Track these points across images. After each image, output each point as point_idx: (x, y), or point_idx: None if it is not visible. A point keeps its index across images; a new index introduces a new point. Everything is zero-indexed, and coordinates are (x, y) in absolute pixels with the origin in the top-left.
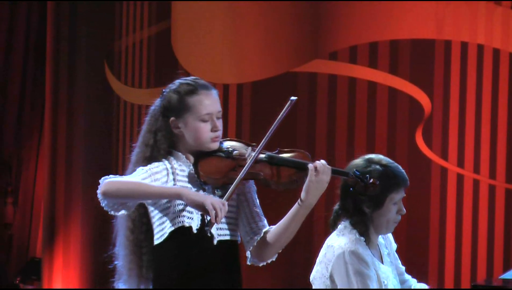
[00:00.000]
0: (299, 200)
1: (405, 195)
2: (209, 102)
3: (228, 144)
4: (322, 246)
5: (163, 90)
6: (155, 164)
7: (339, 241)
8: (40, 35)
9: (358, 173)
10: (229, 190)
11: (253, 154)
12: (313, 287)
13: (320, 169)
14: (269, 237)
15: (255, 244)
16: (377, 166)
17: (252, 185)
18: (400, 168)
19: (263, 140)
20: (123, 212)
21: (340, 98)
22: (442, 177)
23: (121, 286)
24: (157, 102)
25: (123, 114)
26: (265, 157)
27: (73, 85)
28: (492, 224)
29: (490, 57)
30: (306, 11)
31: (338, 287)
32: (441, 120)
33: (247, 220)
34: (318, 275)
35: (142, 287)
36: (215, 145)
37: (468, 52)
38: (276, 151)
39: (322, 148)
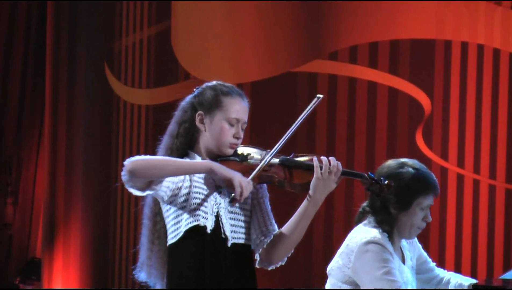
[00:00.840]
0: (307, 196)
1: (433, 203)
2: (241, 109)
3: (243, 150)
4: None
5: (197, 86)
6: None
7: (362, 233)
8: (40, 35)
9: (372, 175)
10: (254, 172)
11: (268, 155)
12: (329, 278)
13: (332, 168)
14: (278, 238)
15: (264, 246)
16: (410, 169)
17: (265, 191)
18: (433, 175)
19: (281, 141)
20: (148, 192)
21: (340, 98)
22: (442, 177)
23: (142, 276)
24: (189, 97)
25: (123, 114)
26: (279, 160)
27: (73, 85)
28: (492, 224)
29: (490, 57)
30: (306, 11)
31: (361, 276)
32: (441, 120)
33: (258, 224)
34: (337, 265)
35: (154, 280)
36: (230, 151)
37: (468, 52)
38: (291, 155)
39: (322, 148)
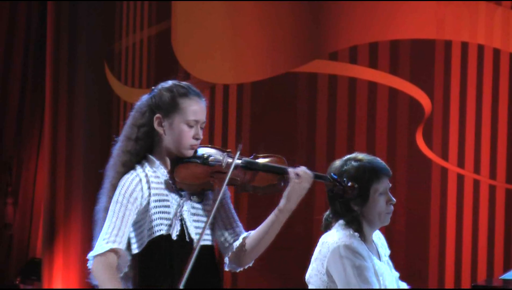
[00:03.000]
0: (278, 207)
1: (390, 185)
2: (199, 110)
3: (203, 151)
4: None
5: (153, 87)
6: (127, 180)
7: (333, 237)
8: (40, 35)
9: (335, 176)
10: (226, 178)
11: (231, 160)
12: (310, 287)
13: (302, 176)
14: (248, 243)
15: (234, 250)
16: (352, 162)
17: (226, 191)
18: (378, 159)
19: (237, 149)
20: (136, 251)
21: (340, 98)
22: (442, 177)
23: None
24: (145, 97)
25: (123, 114)
26: (242, 163)
27: (73, 85)
28: (492, 224)
29: (490, 57)
30: (306, 11)
31: (336, 282)
32: (441, 120)
33: (224, 226)
34: (314, 272)
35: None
36: (190, 152)
37: (468, 52)
38: (252, 156)
39: (322, 148)
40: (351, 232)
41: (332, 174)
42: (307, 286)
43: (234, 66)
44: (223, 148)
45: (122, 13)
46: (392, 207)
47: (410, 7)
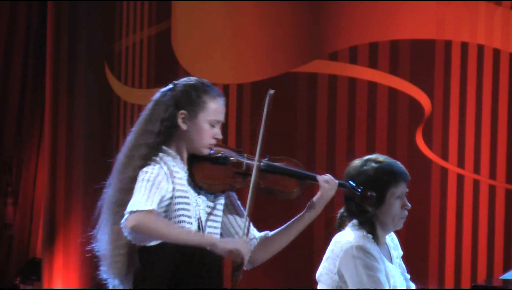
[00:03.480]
0: (304, 212)
1: (407, 190)
2: (222, 110)
3: (219, 150)
4: (322, 247)
5: (175, 82)
6: (154, 170)
7: (346, 237)
8: (40, 35)
9: (354, 184)
10: (246, 223)
11: (255, 162)
12: (319, 284)
13: (330, 183)
14: (265, 243)
15: (251, 248)
16: (373, 163)
17: (232, 192)
18: (398, 163)
19: (258, 146)
20: (151, 244)
21: (340, 98)
22: (442, 177)
23: (104, 270)
24: (166, 92)
25: (123, 114)
26: (263, 166)
27: (73, 85)
28: (492, 224)
29: (490, 57)
30: (306, 12)
31: (347, 282)
32: (441, 120)
33: (238, 225)
34: (325, 271)
35: (113, 275)
36: (207, 151)
37: (468, 52)
38: (266, 158)
39: (322, 148)
40: (365, 233)
41: (351, 182)
42: (317, 284)
43: (234, 66)
44: (236, 148)
45: (122, 13)
46: (406, 212)
47: (410, 7)
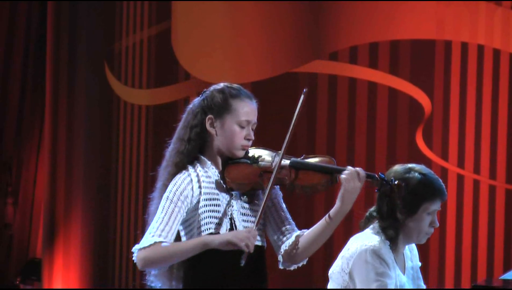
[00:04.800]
0: (334, 208)
1: (440, 209)
2: (250, 111)
3: (254, 152)
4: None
5: (205, 89)
6: (179, 179)
7: (364, 239)
8: (40, 35)
9: (383, 175)
10: (259, 214)
11: (277, 159)
12: (330, 281)
13: (361, 175)
14: (302, 241)
15: (287, 248)
16: (416, 174)
17: (278, 190)
18: (440, 181)
19: (284, 143)
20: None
21: (340, 98)
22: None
23: (151, 280)
24: (197, 100)
25: (123, 114)
26: (290, 163)
27: (73, 85)
28: (492, 224)
29: (490, 57)
30: (306, 12)
31: (357, 284)
32: (441, 120)
33: (276, 225)
34: (337, 269)
35: (173, 284)
36: (242, 153)
37: (468, 53)
38: (302, 157)
39: (322, 148)
40: (383, 238)
41: (380, 173)
42: (329, 280)
43: (234, 66)
44: (271, 148)
45: (122, 13)
46: (432, 230)
47: (410, 7)
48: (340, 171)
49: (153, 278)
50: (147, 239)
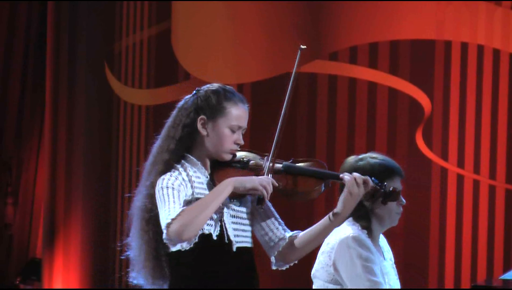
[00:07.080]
0: (333, 211)
1: (401, 187)
2: (243, 116)
3: (242, 155)
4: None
5: (198, 88)
6: (171, 176)
7: (342, 231)
8: (40, 35)
9: (376, 181)
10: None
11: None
12: (314, 282)
13: (359, 181)
14: (298, 242)
15: (280, 249)
16: (368, 159)
17: None
18: (393, 161)
19: (274, 143)
20: (177, 248)
21: (340, 98)
22: (442, 177)
23: (134, 276)
24: (189, 98)
25: (123, 114)
26: (282, 167)
27: (73, 85)
28: (492, 224)
29: (490, 57)
30: (306, 12)
31: (341, 273)
32: (441, 121)
33: (267, 226)
34: (320, 266)
35: (160, 283)
36: (229, 157)
37: (468, 53)
38: (291, 160)
39: (322, 148)
40: (360, 228)
41: (373, 178)
42: (312, 282)
43: (234, 66)
44: (260, 152)
45: (122, 13)
46: (401, 209)
47: (410, 7)
48: (335, 177)
49: (136, 275)
50: (169, 215)
